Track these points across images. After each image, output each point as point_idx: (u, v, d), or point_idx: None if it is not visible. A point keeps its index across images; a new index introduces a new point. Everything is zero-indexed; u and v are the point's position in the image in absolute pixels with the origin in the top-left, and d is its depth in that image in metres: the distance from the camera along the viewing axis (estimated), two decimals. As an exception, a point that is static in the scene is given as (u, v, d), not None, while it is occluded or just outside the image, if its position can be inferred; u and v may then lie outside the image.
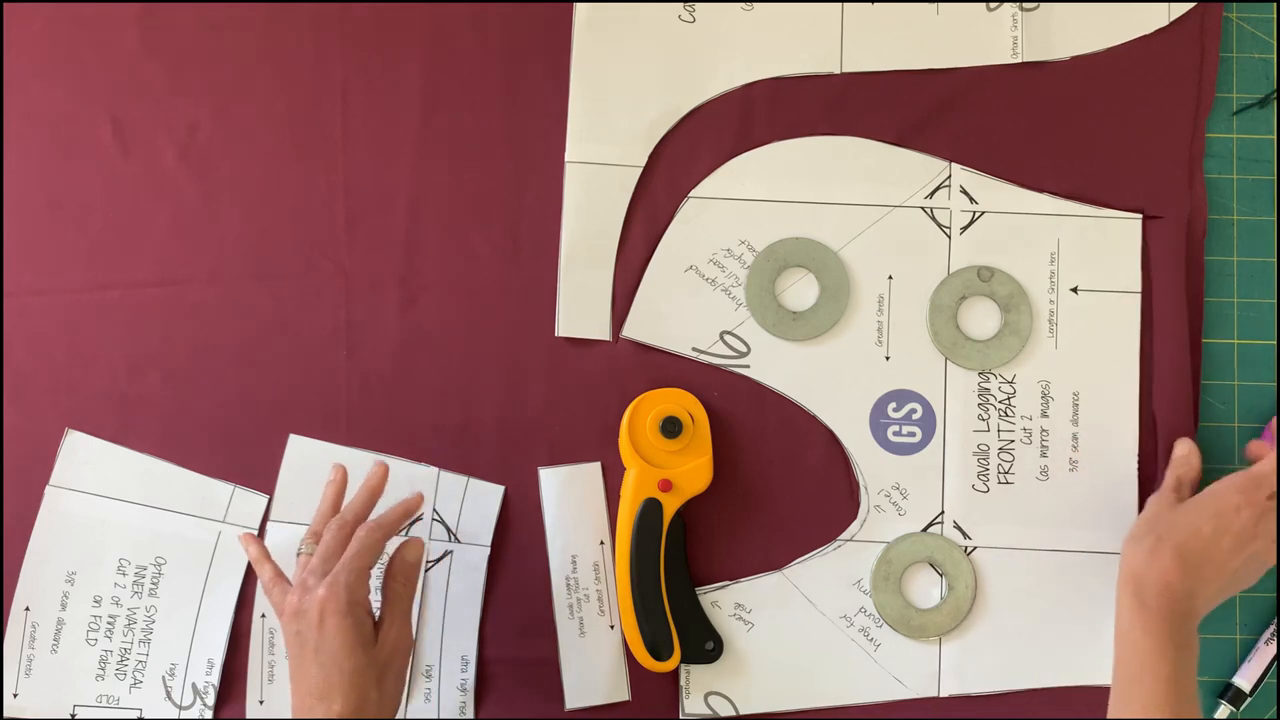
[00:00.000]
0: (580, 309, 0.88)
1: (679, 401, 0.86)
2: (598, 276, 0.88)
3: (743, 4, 0.89)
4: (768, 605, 0.87)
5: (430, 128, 0.89)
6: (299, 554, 0.78)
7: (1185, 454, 0.84)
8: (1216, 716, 0.87)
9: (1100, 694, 0.85)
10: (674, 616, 0.84)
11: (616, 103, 0.88)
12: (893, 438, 0.88)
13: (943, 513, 0.87)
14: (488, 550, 0.86)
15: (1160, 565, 0.76)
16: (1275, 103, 0.90)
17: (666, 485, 0.85)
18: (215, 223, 0.88)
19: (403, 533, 0.86)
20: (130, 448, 0.87)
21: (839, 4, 0.89)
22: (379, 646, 0.75)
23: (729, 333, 0.88)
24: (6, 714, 0.85)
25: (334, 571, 0.74)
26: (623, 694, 0.86)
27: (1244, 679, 0.86)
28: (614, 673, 0.86)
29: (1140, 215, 0.89)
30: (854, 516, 0.87)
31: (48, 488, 0.87)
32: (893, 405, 0.88)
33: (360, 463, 0.87)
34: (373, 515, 0.79)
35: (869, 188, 0.89)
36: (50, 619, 0.86)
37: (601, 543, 0.87)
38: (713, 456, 0.86)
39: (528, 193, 0.88)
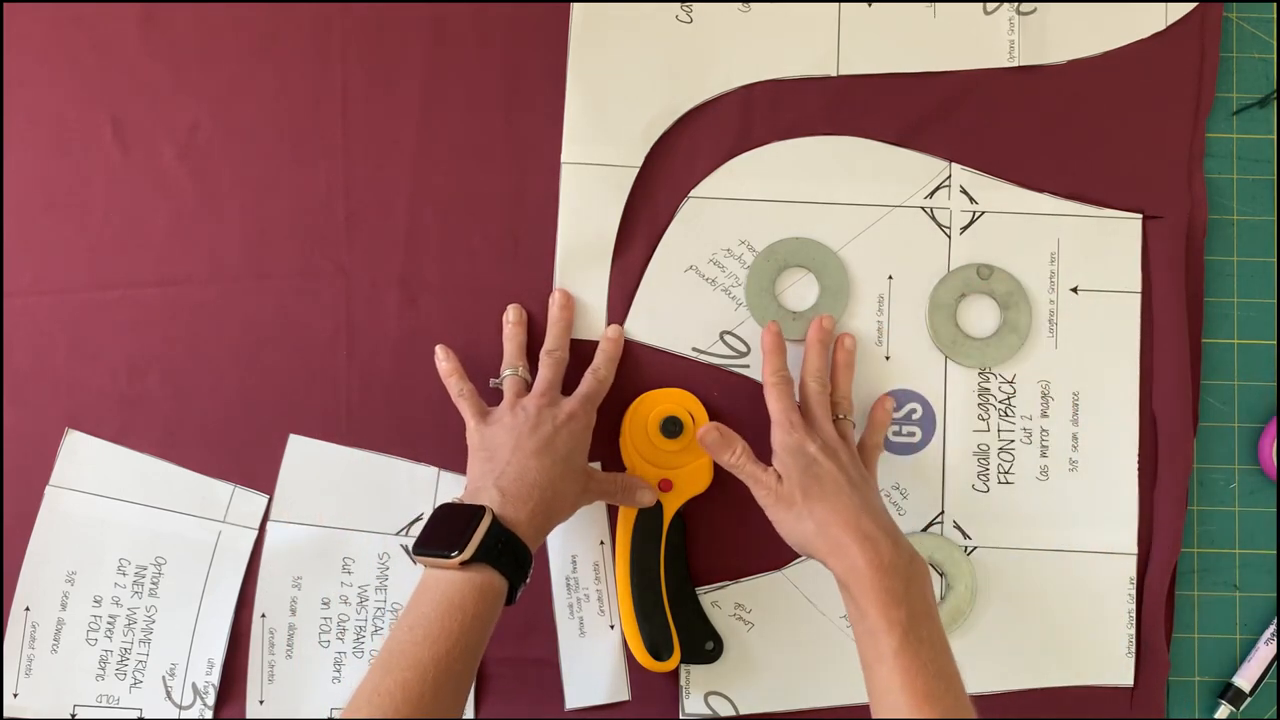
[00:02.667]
0: (577, 309, 0.88)
1: (679, 401, 0.86)
2: (594, 277, 0.88)
3: (739, 5, 0.89)
4: (768, 605, 0.87)
5: (430, 128, 0.89)
6: (496, 381, 0.85)
7: (722, 441, 0.82)
8: (1216, 716, 0.87)
9: (1099, 694, 0.86)
10: (674, 616, 0.84)
11: (613, 103, 0.88)
12: (893, 438, 0.88)
13: (943, 513, 0.87)
14: (487, 550, 0.86)
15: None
16: (1275, 103, 0.90)
17: (666, 485, 0.85)
18: (215, 223, 0.88)
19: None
20: (130, 448, 0.87)
21: (835, 5, 0.89)
22: (587, 476, 0.82)
23: (729, 333, 0.88)
24: (6, 714, 0.85)
25: (582, 395, 0.83)
26: (623, 694, 0.86)
27: (1244, 679, 0.86)
28: (614, 673, 0.86)
29: (1140, 215, 0.89)
30: (854, 516, 0.87)
31: (48, 488, 0.87)
32: (892, 405, 0.88)
33: (360, 463, 0.87)
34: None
35: (869, 188, 0.89)
36: (50, 619, 0.86)
37: (601, 543, 0.87)
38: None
39: (528, 193, 0.88)
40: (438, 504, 0.87)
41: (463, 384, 0.84)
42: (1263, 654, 0.87)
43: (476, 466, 0.80)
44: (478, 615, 0.71)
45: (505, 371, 0.85)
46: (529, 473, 0.77)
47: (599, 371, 0.85)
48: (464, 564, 0.72)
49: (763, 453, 0.83)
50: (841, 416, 0.84)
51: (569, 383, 0.85)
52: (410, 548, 0.75)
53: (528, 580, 0.75)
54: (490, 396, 0.84)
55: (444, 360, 0.85)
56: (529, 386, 0.84)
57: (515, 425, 0.80)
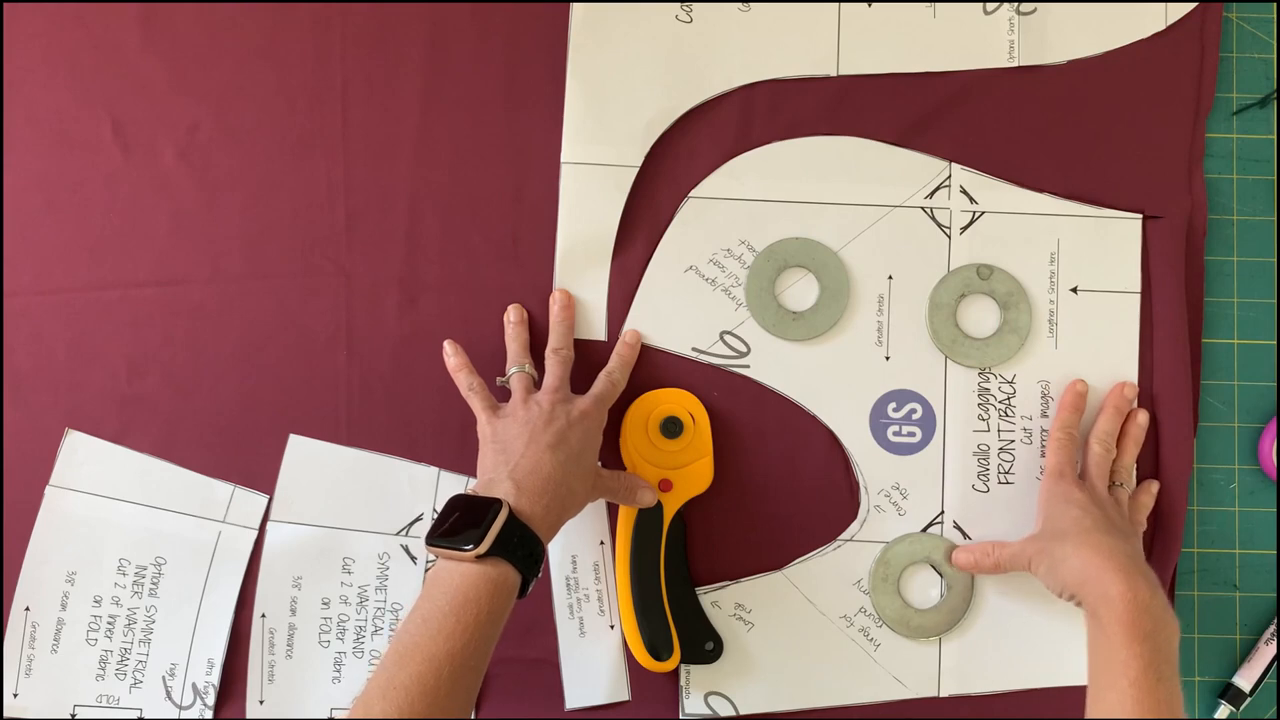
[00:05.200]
0: (577, 309, 0.88)
1: (679, 401, 0.86)
2: (594, 277, 0.88)
3: (740, 4, 0.89)
4: (768, 605, 0.87)
5: (430, 128, 0.89)
6: (503, 380, 0.85)
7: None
8: (1216, 716, 0.87)
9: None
10: (674, 616, 0.84)
11: (613, 103, 0.88)
12: (893, 438, 0.88)
13: (943, 513, 0.87)
14: (487, 550, 0.86)
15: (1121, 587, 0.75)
16: (1275, 103, 0.90)
17: (666, 485, 0.85)
18: (215, 223, 0.88)
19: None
20: (130, 448, 0.87)
21: (835, 5, 0.89)
22: (595, 475, 0.82)
23: (729, 333, 0.88)
24: (6, 714, 0.85)
25: (595, 395, 0.83)
26: (623, 694, 0.86)
27: (1244, 679, 0.86)
28: (614, 673, 0.86)
29: (1140, 215, 0.89)
30: (854, 516, 0.87)
31: (48, 488, 0.87)
32: (893, 405, 0.88)
33: (360, 463, 0.87)
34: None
35: (869, 188, 0.89)
36: (50, 619, 0.86)
37: (601, 543, 0.87)
38: (713, 456, 0.86)
39: (527, 193, 0.88)
40: (438, 504, 0.87)
41: (472, 378, 0.84)
42: (1263, 654, 0.87)
43: (489, 458, 0.79)
44: (492, 610, 0.71)
45: (511, 369, 0.85)
46: (543, 466, 0.77)
47: (613, 375, 0.85)
48: (479, 557, 0.72)
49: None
50: (1118, 484, 0.85)
51: (571, 383, 0.85)
52: (424, 538, 0.75)
53: (539, 575, 0.75)
54: (497, 396, 0.84)
55: (452, 356, 0.85)
56: (536, 383, 0.84)
57: (529, 419, 0.80)
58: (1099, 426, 0.86)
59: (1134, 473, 0.86)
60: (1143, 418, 0.86)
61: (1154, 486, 0.86)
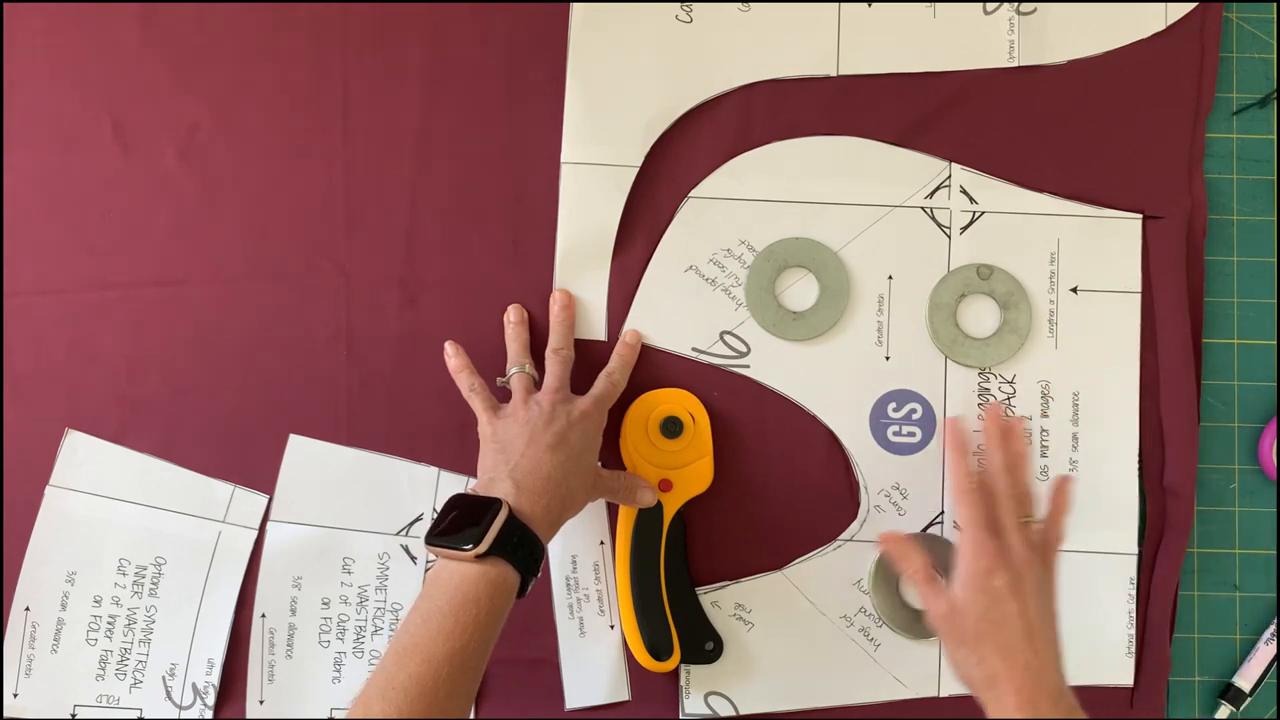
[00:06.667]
0: (577, 309, 0.88)
1: (679, 401, 0.86)
2: (594, 277, 0.88)
3: (739, 5, 0.89)
4: (768, 605, 0.87)
5: (430, 128, 0.89)
6: (503, 380, 0.85)
7: (900, 553, 0.78)
8: (1216, 716, 0.87)
9: (1099, 694, 0.86)
10: (674, 616, 0.84)
11: (613, 103, 0.88)
12: (893, 438, 0.88)
13: (942, 513, 0.87)
14: (487, 550, 0.86)
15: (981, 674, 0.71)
16: (1275, 103, 0.90)
17: (667, 485, 0.85)
18: (215, 222, 0.88)
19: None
20: (130, 448, 0.87)
21: (835, 5, 0.89)
22: (595, 475, 0.82)
23: (729, 333, 0.88)
24: (6, 714, 0.85)
25: (595, 395, 0.83)
26: (623, 694, 0.86)
27: (1244, 679, 0.86)
28: (614, 673, 0.86)
29: (1140, 215, 0.89)
30: (854, 516, 0.87)
31: (48, 488, 0.87)
32: (893, 405, 0.88)
33: (360, 463, 0.87)
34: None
35: (869, 188, 0.89)
36: (50, 619, 0.86)
37: (601, 543, 0.87)
38: (713, 456, 0.86)
39: (527, 193, 0.88)
40: (438, 504, 0.87)
41: (473, 379, 0.84)
42: (1263, 654, 0.87)
43: (489, 458, 0.80)
44: (491, 610, 0.71)
45: (511, 369, 0.85)
46: (543, 466, 0.77)
47: (613, 375, 0.85)
48: (479, 557, 0.72)
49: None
50: (1025, 519, 0.76)
51: (571, 383, 0.85)
52: (423, 538, 0.75)
53: (539, 574, 0.75)
54: (498, 396, 0.85)
55: (453, 357, 0.85)
56: (537, 383, 0.84)
57: (529, 419, 0.80)
58: (994, 463, 0.78)
59: (1033, 500, 0.79)
60: (1020, 425, 0.80)
61: (1069, 486, 0.80)
